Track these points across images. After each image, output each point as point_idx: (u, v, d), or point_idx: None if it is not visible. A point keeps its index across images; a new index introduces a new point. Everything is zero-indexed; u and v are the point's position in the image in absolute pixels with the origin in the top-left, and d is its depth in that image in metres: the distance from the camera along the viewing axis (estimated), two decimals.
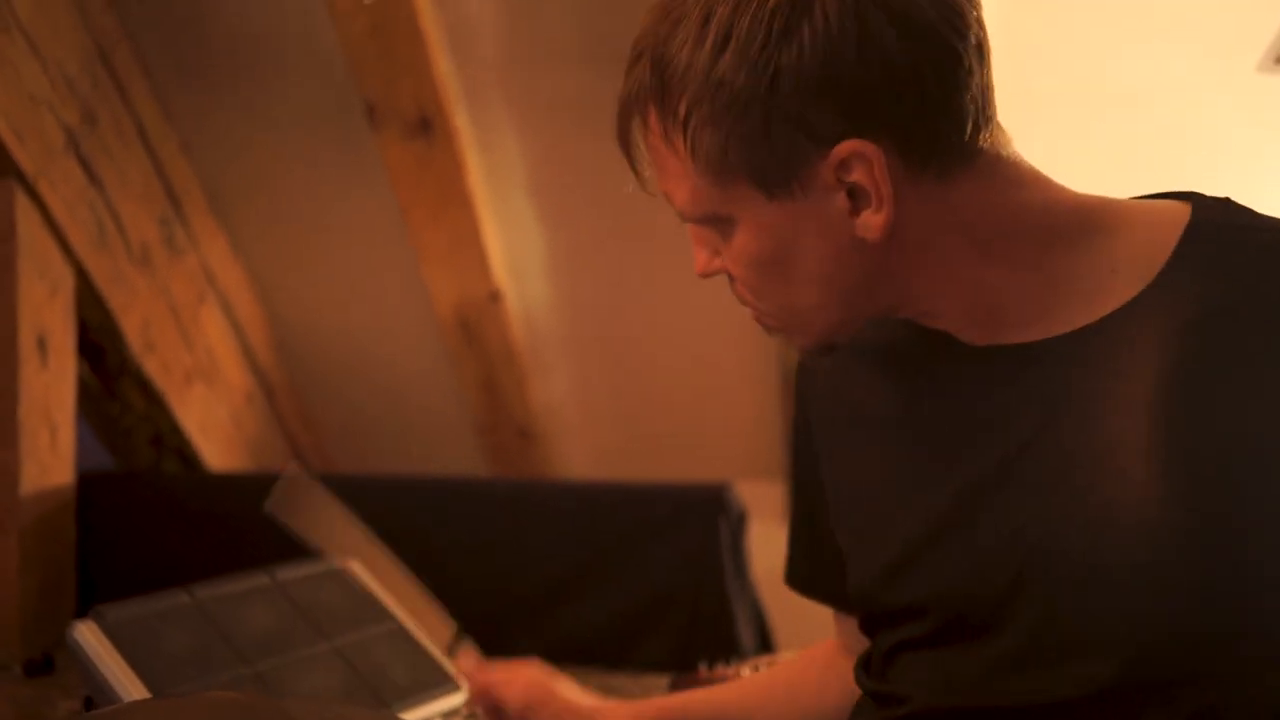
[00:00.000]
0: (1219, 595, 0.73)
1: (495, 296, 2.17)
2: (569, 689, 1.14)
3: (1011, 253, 0.81)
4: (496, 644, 1.61)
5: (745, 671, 1.39)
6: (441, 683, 1.41)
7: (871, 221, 0.78)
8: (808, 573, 1.05)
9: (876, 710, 0.90)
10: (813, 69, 0.74)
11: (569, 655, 1.59)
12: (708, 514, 1.76)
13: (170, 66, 1.98)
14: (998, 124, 0.81)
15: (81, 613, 1.80)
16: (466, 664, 1.18)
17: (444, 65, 1.91)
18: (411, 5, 1.82)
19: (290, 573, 1.45)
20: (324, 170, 2.12)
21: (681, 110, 0.78)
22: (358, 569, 1.49)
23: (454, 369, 2.30)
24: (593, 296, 2.25)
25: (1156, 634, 0.74)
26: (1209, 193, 0.85)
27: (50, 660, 1.68)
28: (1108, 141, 1.91)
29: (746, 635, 1.73)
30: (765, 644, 1.79)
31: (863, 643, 0.97)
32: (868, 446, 0.91)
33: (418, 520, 1.81)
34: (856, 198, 0.78)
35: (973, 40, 0.77)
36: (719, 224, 0.82)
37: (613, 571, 1.79)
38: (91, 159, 1.84)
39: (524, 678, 1.14)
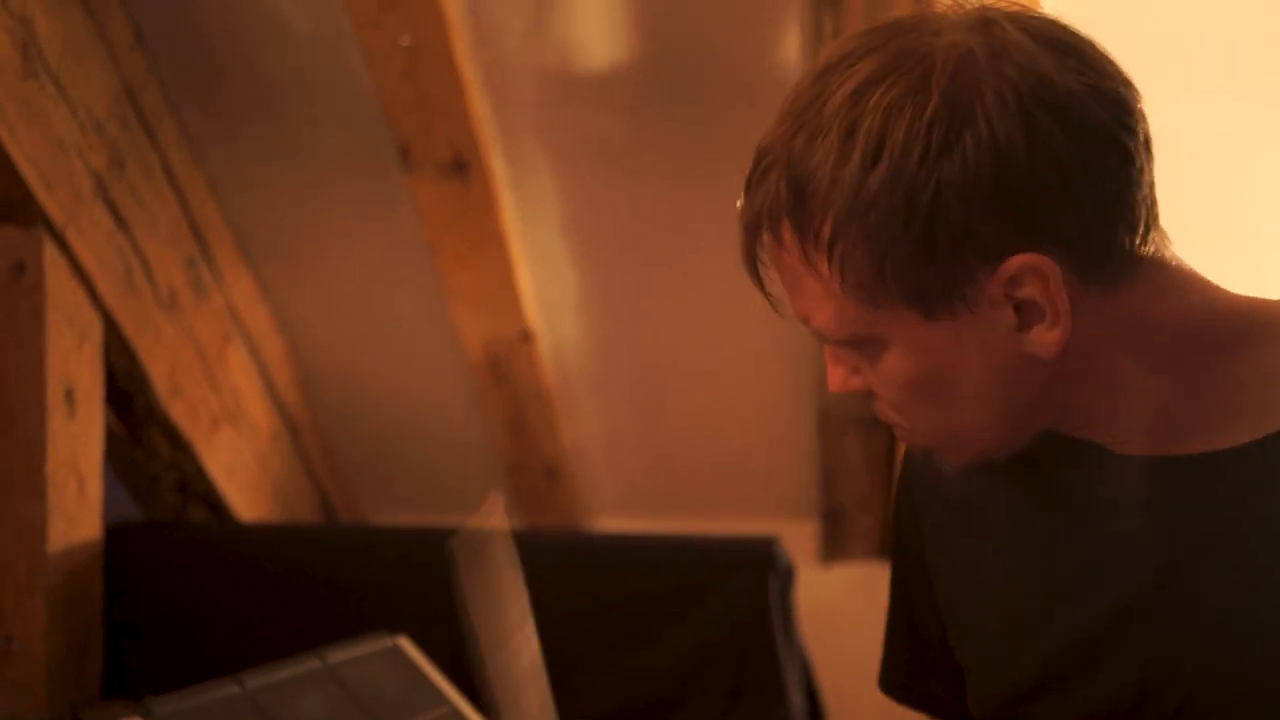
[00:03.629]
0: None
1: (527, 336, 2.13)
2: None
3: (1174, 362, 0.76)
4: None
5: None
6: None
7: (1045, 338, 0.73)
8: (906, 679, 1.00)
9: None
10: (979, 181, 0.69)
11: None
12: (756, 569, 1.70)
13: (199, 106, 1.93)
14: (1160, 226, 0.76)
15: (110, 672, 1.76)
16: None
17: (480, 106, 1.86)
18: (448, 46, 1.77)
19: (341, 654, 1.40)
20: (350, 209, 2.07)
21: (826, 231, 0.72)
22: (408, 646, 1.44)
23: (481, 409, 2.25)
24: (625, 336, 2.21)
25: None
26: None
27: None
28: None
29: (796, 697, 1.68)
30: (814, 707, 1.74)
31: None
32: (991, 555, 0.86)
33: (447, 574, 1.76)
34: (1024, 313, 0.73)
35: (1141, 136, 0.73)
36: (866, 345, 0.77)
37: (656, 630, 1.72)
38: (119, 203, 1.79)
39: None
